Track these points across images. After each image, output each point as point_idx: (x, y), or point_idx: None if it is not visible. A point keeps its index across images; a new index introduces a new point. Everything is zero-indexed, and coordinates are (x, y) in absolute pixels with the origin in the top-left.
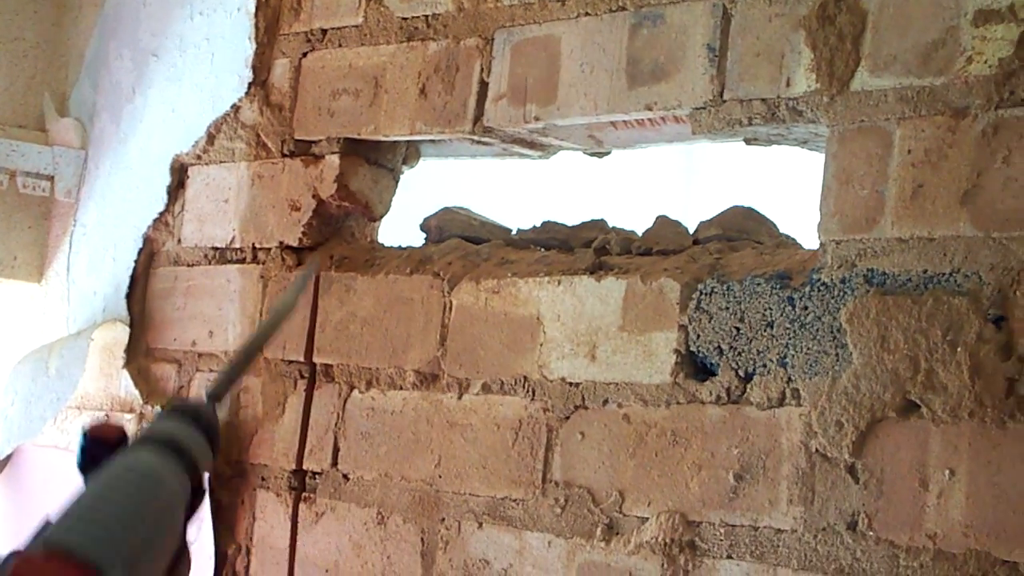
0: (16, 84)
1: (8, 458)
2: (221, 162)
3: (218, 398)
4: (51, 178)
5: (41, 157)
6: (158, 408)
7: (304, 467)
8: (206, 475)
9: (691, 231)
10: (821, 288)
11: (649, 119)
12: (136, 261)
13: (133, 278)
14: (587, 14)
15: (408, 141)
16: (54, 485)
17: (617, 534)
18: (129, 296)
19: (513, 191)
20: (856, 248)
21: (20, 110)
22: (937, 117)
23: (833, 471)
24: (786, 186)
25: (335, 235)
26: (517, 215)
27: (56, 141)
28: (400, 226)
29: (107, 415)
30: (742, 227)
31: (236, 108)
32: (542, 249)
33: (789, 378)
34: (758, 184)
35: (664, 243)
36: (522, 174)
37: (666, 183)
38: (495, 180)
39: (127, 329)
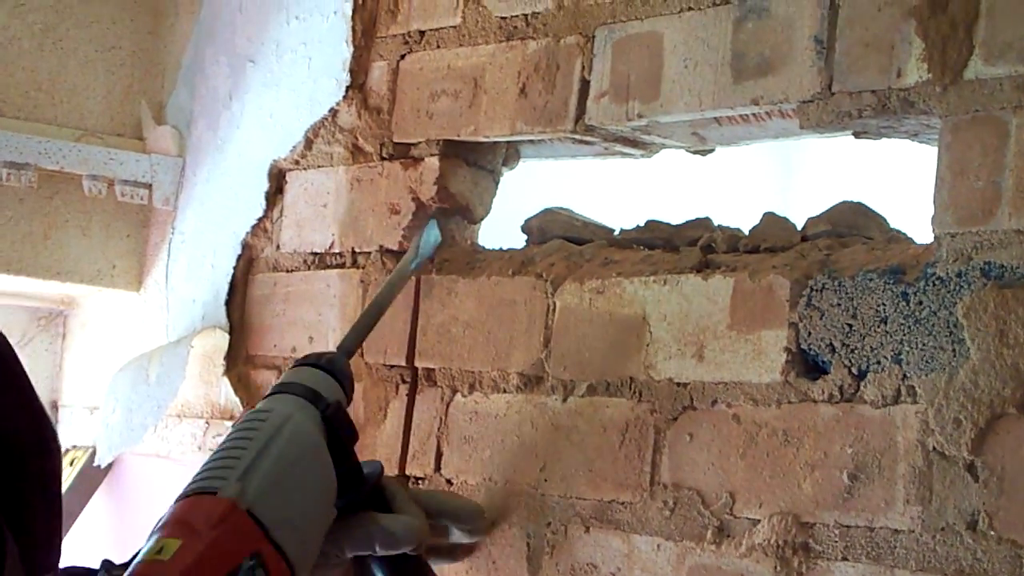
0: (113, 93)
1: (109, 467)
2: (319, 167)
3: (349, 352)
4: (149, 186)
5: (139, 165)
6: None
7: (407, 472)
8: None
9: (798, 228)
10: (936, 282)
11: (754, 115)
12: (235, 268)
13: (232, 285)
14: (690, 9)
15: (508, 142)
16: (156, 494)
17: (728, 536)
18: (228, 303)
19: (614, 192)
20: (972, 241)
21: (118, 119)
22: None
23: (951, 469)
24: (884, 182)
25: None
26: (619, 215)
27: (154, 149)
28: (501, 229)
29: (207, 423)
30: (852, 223)
31: (334, 112)
32: (646, 249)
33: (904, 375)
34: (856, 181)
35: (771, 240)
36: (623, 175)
37: (764, 182)
38: (596, 181)
39: (227, 336)
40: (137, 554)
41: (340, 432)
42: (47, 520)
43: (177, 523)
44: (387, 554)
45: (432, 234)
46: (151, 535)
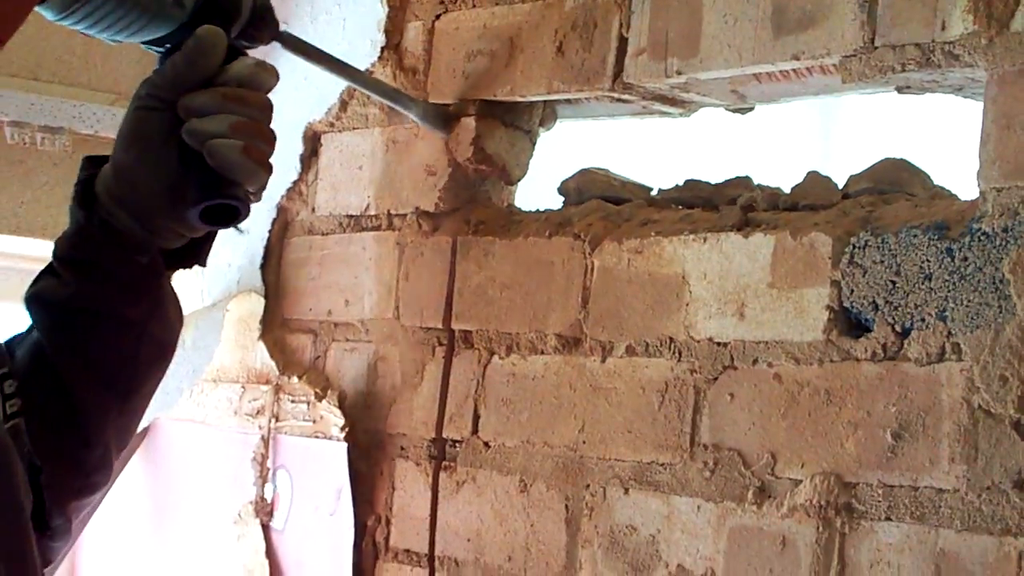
0: (147, 56)
1: (145, 431)
2: (354, 129)
3: None
4: None
5: None
6: (296, 379)
7: (444, 436)
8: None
9: (840, 186)
10: (982, 238)
11: (794, 71)
12: (270, 231)
13: (267, 249)
14: None
15: (544, 102)
16: (191, 458)
17: (769, 497)
18: (263, 267)
19: (651, 152)
20: (1019, 195)
21: None
22: None
23: (997, 427)
24: (927, 138)
25: (471, 199)
26: (657, 175)
27: None
28: (538, 190)
29: (243, 387)
30: (895, 179)
31: (369, 73)
32: (685, 208)
33: (949, 332)
34: (898, 137)
35: (812, 198)
36: (661, 134)
37: (804, 140)
38: (634, 141)
39: (262, 300)
40: None
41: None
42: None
43: None
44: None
45: None
46: None
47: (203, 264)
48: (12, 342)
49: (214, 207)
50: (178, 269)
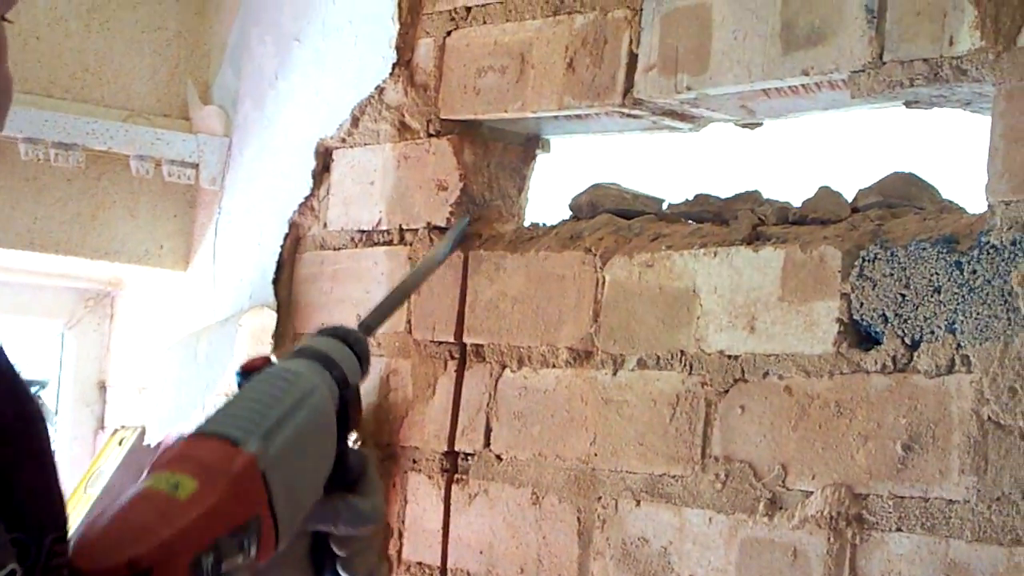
0: (160, 73)
1: (159, 445)
2: (366, 144)
3: (370, 329)
4: (196, 166)
5: (185, 145)
6: None
7: (456, 448)
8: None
9: (849, 200)
10: (990, 251)
11: (803, 86)
12: (282, 246)
13: (279, 264)
14: None
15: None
16: None
17: (781, 509)
18: (276, 282)
19: (663, 168)
20: None
21: (164, 99)
22: None
23: (1007, 439)
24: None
25: (482, 214)
26: (667, 190)
27: (200, 129)
28: (550, 207)
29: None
30: (904, 193)
31: (380, 90)
32: (695, 222)
33: (958, 344)
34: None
35: (821, 212)
36: (671, 150)
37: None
38: (644, 158)
39: (274, 315)
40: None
41: (349, 417)
42: (42, 481)
43: (196, 462)
44: (348, 533)
45: (461, 227)
46: (163, 456)
47: None
48: None
49: None
50: None
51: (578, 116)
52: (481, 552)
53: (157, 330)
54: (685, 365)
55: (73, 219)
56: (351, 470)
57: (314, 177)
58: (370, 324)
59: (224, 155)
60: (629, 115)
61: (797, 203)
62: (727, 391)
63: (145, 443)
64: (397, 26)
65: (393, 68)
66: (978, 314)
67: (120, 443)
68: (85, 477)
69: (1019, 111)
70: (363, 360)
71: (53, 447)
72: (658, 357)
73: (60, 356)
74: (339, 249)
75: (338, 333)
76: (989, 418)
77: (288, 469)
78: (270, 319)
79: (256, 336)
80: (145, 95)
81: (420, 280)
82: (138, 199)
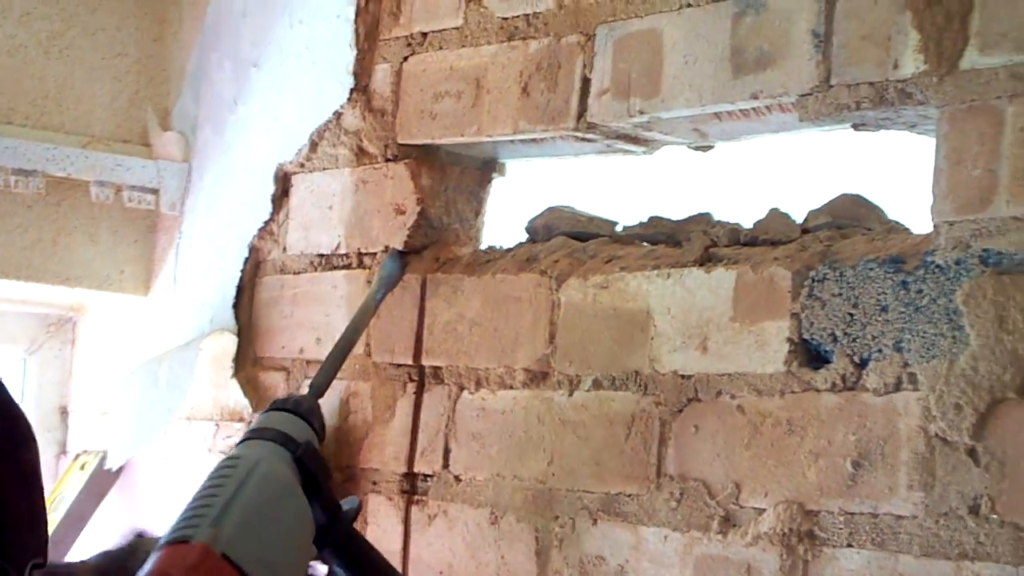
0: (119, 100)
1: (120, 470)
2: (324, 169)
3: (320, 391)
4: (156, 191)
5: (145, 171)
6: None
7: (415, 470)
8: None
9: (799, 221)
10: (935, 270)
11: (754, 109)
12: (242, 271)
13: (240, 288)
14: (689, 5)
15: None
16: (167, 496)
17: (734, 526)
18: (236, 306)
19: (617, 190)
20: (970, 229)
21: (124, 125)
22: None
23: (953, 455)
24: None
25: (440, 238)
26: (622, 212)
27: (160, 155)
28: (507, 230)
29: (217, 425)
30: (852, 214)
31: (338, 115)
32: (649, 244)
33: (905, 362)
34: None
35: (772, 233)
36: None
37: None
38: (599, 181)
39: (235, 339)
40: None
41: (313, 472)
42: (27, 506)
43: (157, 573)
44: None
45: (391, 267)
46: None
47: None
48: None
49: None
50: None
51: (533, 140)
52: (441, 572)
53: (119, 355)
54: (640, 385)
55: (34, 245)
56: (343, 521)
57: (273, 202)
58: (319, 384)
59: (184, 180)
60: (583, 139)
61: (748, 225)
62: (681, 411)
63: (106, 467)
64: (354, 52)
65: (351, 93)
66: (924, 332)
67: (82, 467)
68: (47, 502)
69: (962, 133)
70: (311, 420)
71: (40, 469)
72: (613, 378)
73: (22, 382)
74: (299, 273)
75: (277, 405)
76: (936, 435)
77: (253, 541)
78: (231, 343)
79: (217, 360)
80: (105, 121)
81: (360, 329)
82: (98, 225)
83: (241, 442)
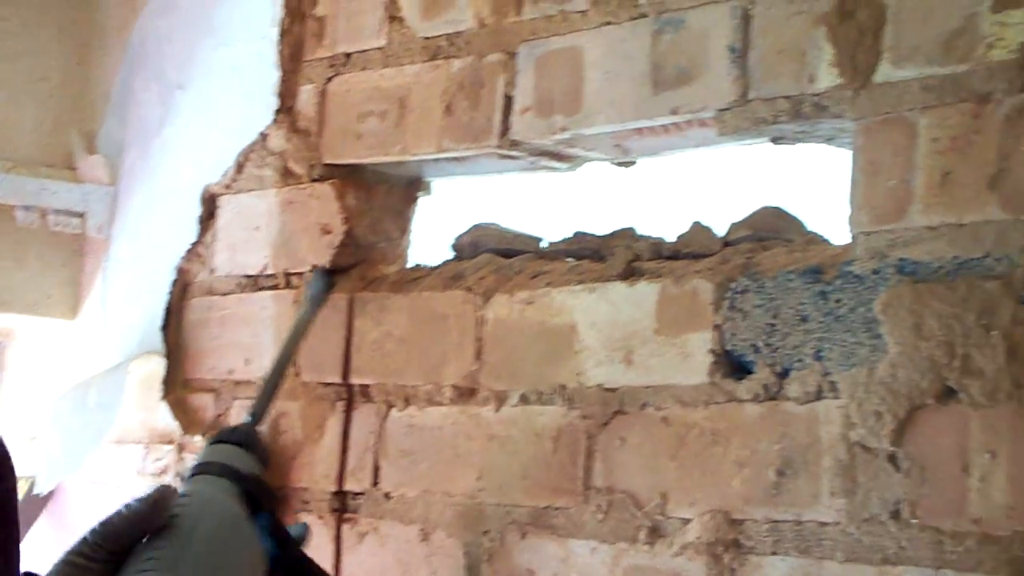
0: (44, 124)
1: (50, 495)
2: (251, 190)
3: (258, 418)
4: (82, 215)
5: (71, 195)
6: (199, 438)
7: (345, 488)
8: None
9: (721, 235)
10: (854, 280)
11: (675, 124)
12: (170, 293)
13: (168, 310)
14: (609, 23)
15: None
16: (97, 520)
17: (661, 536)
18: (165, 328)
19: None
20: (887, 239)
21: (49, 149)
22: (961, 104)
23: (874, 461)
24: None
25: (367, 257)
26: (546, 229)
27: (86, 178)
28: (433, 247)
29: (147, 447)
30: (773, 227)
31: (264, 136)
32: (574, 259)
33: (826, 371)
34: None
35: (695, 247)
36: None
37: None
38: (523, 198)
39: (164, 361)
40: None
41: (261, 502)
42: (5, 552)
43: None
44: None
45: (317, 285)
46: None
47: None
48: None
49: None
50: None
51: (457, 158)
52: None
53: (48, 379)
54: (566, 399)
55: None
56: (292, 547)
57: (200, 223)
58: (257, 411)
59: (110, 204)
60: (507, 156)
61: (671, 239)
62: (607, 423)
63: (35, 492)
64: (279, 73)
65: (276, 115)
66: (843, 341)
67: None
68: None
69: (877, 145)
70: (255, 449)
71: (16, 500)
72: (540, 392)
73: None
74: (227, 294)
75: (221, 437)
76: (856, 442)
77: None
78: (159, 365)
79: (146, 383)
80: (29, 145)
81: (293, 350)
82: (25, 249)
83: (189, 477)
